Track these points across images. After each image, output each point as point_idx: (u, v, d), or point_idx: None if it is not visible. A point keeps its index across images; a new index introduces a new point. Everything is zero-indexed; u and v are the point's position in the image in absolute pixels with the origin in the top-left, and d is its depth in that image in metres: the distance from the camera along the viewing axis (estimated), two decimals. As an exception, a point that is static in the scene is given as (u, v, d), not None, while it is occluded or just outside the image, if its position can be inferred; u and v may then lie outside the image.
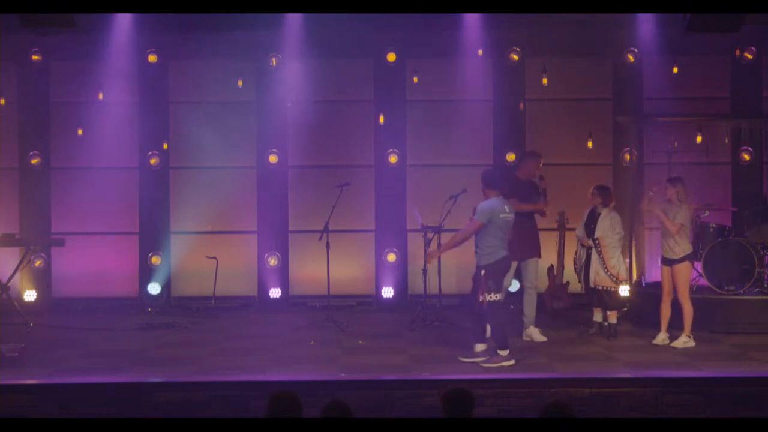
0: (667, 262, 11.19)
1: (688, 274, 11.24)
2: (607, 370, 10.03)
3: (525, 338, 11.39)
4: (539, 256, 11.62)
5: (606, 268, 11.44)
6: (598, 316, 11.67)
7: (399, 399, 9.07)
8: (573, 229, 13.40)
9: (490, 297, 10.12)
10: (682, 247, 11.11)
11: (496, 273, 10.23)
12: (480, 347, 10.34)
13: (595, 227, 11.49)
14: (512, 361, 10.12)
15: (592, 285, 11.57)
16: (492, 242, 10.19)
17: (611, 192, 11.69)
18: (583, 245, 11.67)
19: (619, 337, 11.66)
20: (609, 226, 11.43)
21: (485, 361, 10.19)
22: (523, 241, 11.30)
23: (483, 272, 10.14)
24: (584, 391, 9.18)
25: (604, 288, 11.50)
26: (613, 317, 11.62)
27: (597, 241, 11.48)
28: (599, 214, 11.51)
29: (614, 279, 11.45)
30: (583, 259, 11.63)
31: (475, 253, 10.28)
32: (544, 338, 11.39)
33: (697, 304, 11.86)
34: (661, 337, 11.17)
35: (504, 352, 10.16)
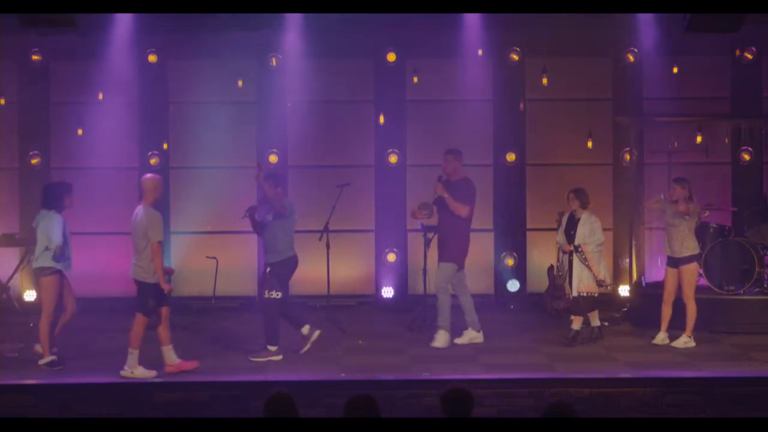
0: (673, 262, 11.14)
1: (694, 275, 11.20)
2: (607, 370, 10.04)
3: (434, 342, 11.04)
4: (453, 261, 11.01)
5: (593, 273, 11.16)
6: (577, 324, 11.28)
7: (399, 399, 9.08)
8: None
9: (271, 294, 10.45)
10: (688, 247, 11.08)
11: (283, 271, 10.53)
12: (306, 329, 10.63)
13: (575, 233, 11.20)
14: (280, 356, 10.41)
15: (575, 293, 11.21)
16: (285, 240, 10.54)
17: (587, 194, 11.39)
18: (564, 251, 11.37)
19: (620, 336, 11.67)
20: (589, 231, 11.16)
21: (254, 355, 10.41)
22: (443, 243, 11.09)
23: (269, 269, 10.51)
24: (584, 391, 9.19)
25: (589, 294, 11.20)
26: (595, 319, 11.39)
27: (579, 248, 11.18)
28: (578, 218, 11.24)
29: (602, 284, 11.21)
30: (566, 267, 11.31)
31: (265, 251, 10.53)
32: (440, 345, 10.95)
33: (698, 304, 11.86)
34: (661, 337, 11.16)
35: (273, 348, 10.46)
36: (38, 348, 10.20)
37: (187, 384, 9.42)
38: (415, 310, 12.40)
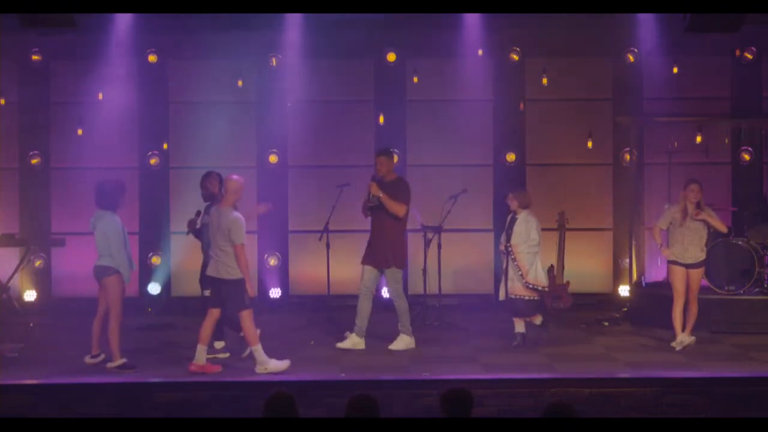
0: (687, 265, 10.93)
1: (701, 278, 11.13)
2: (607, 370, 10.04)
3: (392, 345, 10.93)
4: (398, 266, 10.91)
5: (522, 275, 10.95)
6: (520, 327, 11.08)
7: (399, 399, 9.07)
8: (573, 229, 13.43)
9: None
10: (704, 252, 11.02)
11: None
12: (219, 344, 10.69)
13: (512, 233, 11.02)
14: (227, 354, 10.50)
15: (510, 294, 11.05)
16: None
17: (528, 194, 11.20)
18: (501, 251, 11.24)
19: (620, 336, 11.68)
20: (524, 232, 10.93)
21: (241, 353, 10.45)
22: (382, 247, 10.84)
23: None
24: (584, 391, 9.19)
25: (519, 296, 11.02)
26: (537, 320, 11.18)
27: (510, 248, 11.01)
28: (517, 219, 11.06)
29: (532, 287, 10.97)
30: (504, 267, 11.14)
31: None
32: (398, 348, 10.84)
33: (698, 304, 11.88)
34: (682, 339, 10.93)
35: (219, 345, 10.65)
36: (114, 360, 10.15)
37: (187, 384, 9.43)
38: (415, 310, 12.39)
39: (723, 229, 11.01)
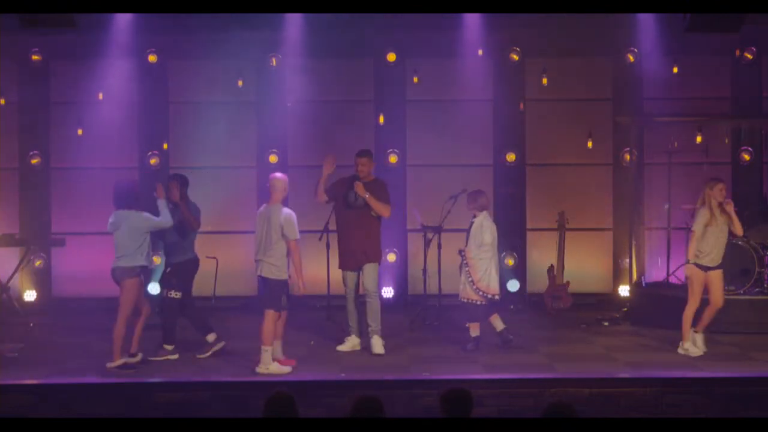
0: (705, 268, 10.72)
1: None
2: (607, 370, 10.04)
3: (375, 349, 10.71)
4: (378, 261, 10.88)
5: (472, 281, 10.84)
6: (474, 331, 10.92)
7: (399, 399, 9.08)
8: (573, 229, 13.45)
9: (170, 293, 10.61)
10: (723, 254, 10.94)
11: (184, 272, 10.71)
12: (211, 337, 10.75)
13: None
14: (176, 356, 10.53)
15: (462, 298, 10.94)
16: (192, 240, 10.77)
17: (484, 196, 11.06)
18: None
19: (620, 336, 11.68)
20: (478, 235, 10.80)
21: (154, 355, 10.49)
22: (364, 248, 10.75)
23: (169, 269, 10.68)
24: (584, 391, 9.19)
25: (470, 301, 10.90)
26: (498, 325, 11.02)
27: (463, 253, 10.95)
28: (473, 222, 10.94)
29: (481, 293, 10.84)
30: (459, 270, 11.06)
31: (167, 252, 10.71)
32: (381, 351, 10.67)
33: (698, 304, 11.87)
34: (700, 344, 10.75)
35: (169, 347, 10.56)
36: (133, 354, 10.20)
37: (187, 384, 9.43)
38: (415, 310, 12.41)
39: (740, 231, 10.82)
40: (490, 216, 11.09)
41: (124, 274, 10.04)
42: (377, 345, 10.68)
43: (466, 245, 10.94)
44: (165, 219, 10.16)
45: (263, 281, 10.07)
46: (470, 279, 10.84)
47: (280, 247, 9.89)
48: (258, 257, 10.06)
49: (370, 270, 10.77)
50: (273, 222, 9.91)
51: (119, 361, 10.03)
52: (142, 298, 10.28)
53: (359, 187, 10.69)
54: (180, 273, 10.73)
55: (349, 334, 10.94)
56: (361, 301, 10.92)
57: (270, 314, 9.93)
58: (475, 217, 10.94)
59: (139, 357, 10.20)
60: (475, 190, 11.11)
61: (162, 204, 10.21)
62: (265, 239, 9.97)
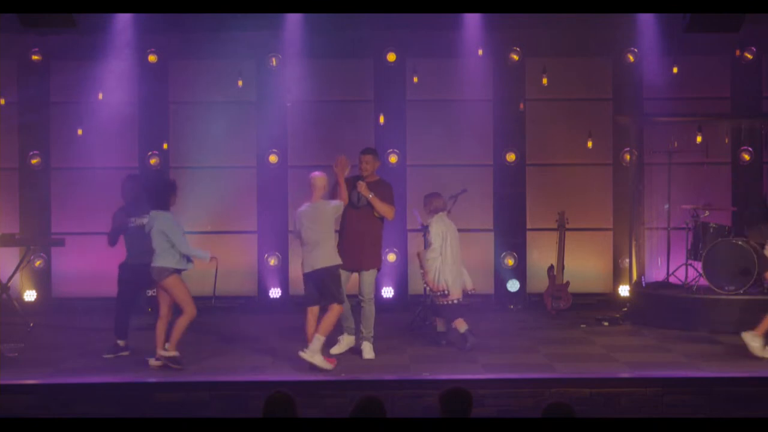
0: None
1: None
2: (607, 370, 10.03)
3: (366, 354, 10.59)
4: (378, 267, 10.78)
5: (425, 282, 10.94)
6: (462, 327, 10.90)
7: (399, 399, 9.08)
8: (572, 230, 13.45)
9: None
10: None
11: (122, 273, 10.91)
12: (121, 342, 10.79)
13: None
14: (127, 352, 10.63)
15: (435, 302, 11.04)
16: (133, 244, 10.78)
17: (439, 199, 11.08)
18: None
19: (620, 336, 11.68)
20: (431, 236, 10.86)
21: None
22: (364, 250, 10.62)
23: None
24: (584, 391, 9.18)
25: (444, 303, 10.94)
26: (461, 327, 10.93)
27: (419, 254, 10.99)
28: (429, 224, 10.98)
29: (436, 293, 10.88)
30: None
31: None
32: (371, 356, 10.52)
33: (697, 304, 11.89)
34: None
35: (122, 342, 10.77)
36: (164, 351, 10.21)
37: (187, 384, 9.43)
38: (415, 310, 12.40)
39: None
40: (445, 218, 11.09)
41: (158, 274, 10.08)
42: (368, 350, 10.59)
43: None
44: (193, 251, 10.22)
45: (320, 273, 10.09)
46: (424, 280, 11.05)
47: (333, 237, 10.16)
48: (310, 253, 10.12)
49: (368, 277, 10.65)
50: (323, 215, 10.11)
51: (173, 352, 10.06)
52: (171, 300, 10.24)
53: (362, 187, 10.59)
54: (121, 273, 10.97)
55: (341, 333, 10.81)
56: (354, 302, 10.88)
57: (336, 308, 10.06)
58: (430, 218, 11.05)
59: (174, 353, 10.17)
60: (429, 193, 11.22)
61: (202, 255, 10.29)
62: (316, 234, 10.10)
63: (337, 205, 10.20)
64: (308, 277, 10.15)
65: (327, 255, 10.08)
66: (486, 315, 12.95)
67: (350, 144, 13.74)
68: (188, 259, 10.19)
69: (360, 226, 10.62)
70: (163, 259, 10.04)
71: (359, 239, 10.62)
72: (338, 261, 10.15)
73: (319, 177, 10.27)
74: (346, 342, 10.80)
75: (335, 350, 10.66)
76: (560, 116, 13.85)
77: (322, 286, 10.10)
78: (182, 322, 10.10)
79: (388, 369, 10.09)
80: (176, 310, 10.22)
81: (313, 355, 9.89)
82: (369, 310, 10.64)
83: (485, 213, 13.81)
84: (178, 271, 10.12)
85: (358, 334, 10.76)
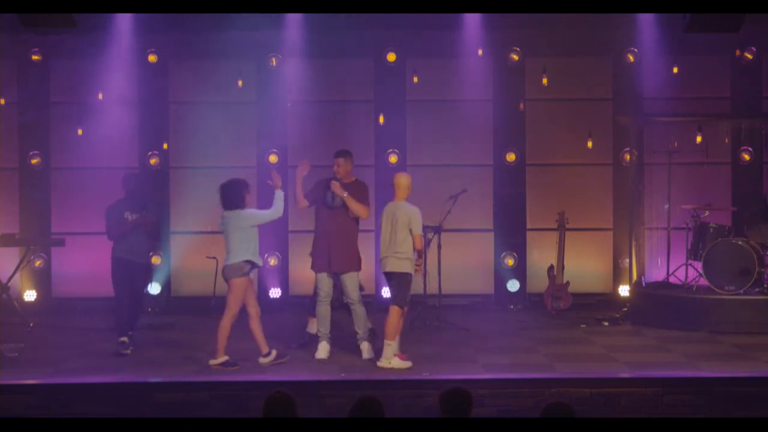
0: None
1: None
2: (607, 370, 10.04)
3: (365, 354, 10.57)
4: (358, 269, 10.68)
5: None
6: (312, 327, 10.91)
7: (399, 399, 9.08)
8: (572, 230, 13.44)
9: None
10: None
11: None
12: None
13: None
14: (128, 351, 10.71)
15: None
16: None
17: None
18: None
19: (620, 336, 11.68)
20: None
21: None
22: (341, 250, 10.55)
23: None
24: (584, 391, 9.19)
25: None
26: (313, 327, 10.91)
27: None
28: None
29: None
30: None
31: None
32: (369, 356, 10.48)
33: (698, 304, 11.89)
34: None
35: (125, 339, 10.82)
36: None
37: (187, 384, 9.43)
38: (415, 310, 12.39)
39: None
40: None
41: (231, 273, 10.14)
42: (366, 350, 10.58)
43: None
44: (276, 210, 10.29)
45: (389, 277, 10.32)
46: None
47: (408, 242, 10.18)
48: (384, 254, 10.26)
49: (350, 280, 10.60)
50: (400, 218, 10.19)
51: (222, 359, 10.09)
52: (252, 299, 10.29)
53: (336, 186, 10.49)
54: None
55: (320, 341, 10.61)
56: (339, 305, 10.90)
57: (396, 310, 10.18)
58: None
59: (273, 354, 10.25)
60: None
61: (278, 195, 10.33)
62: (392, 236, 10.21)
63: (414, 211, 10.23)
64: (385, 275, 10.45)
65: (400, 260, 10.21)
66: (486, 315, 12.97)
67: (350, 144, 13.73)
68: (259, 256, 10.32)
69: (334, 226, 10.54)
70: (236, 256, 10.13)
71: (333, 240, 10.53)
72: (410, 269, 10.26)
73: (403, 176, 10.48)
74: (325, 350, 10.58)
75: (319, 356, 10.51)
76: (560, 116, 13.85)
77: (391, 287, 10.46)
78: (224, 324, 10.17)
79: (387, 369, 10.08)
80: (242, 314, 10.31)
81: (389, 361, 10.08)
82: (360, 311, 10.61)
83: (485, 213, 13.80)
84: (252, 268, 10.19)
85: (333, 340, 10.70)
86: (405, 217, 10.18)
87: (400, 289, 10.24)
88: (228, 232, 10.18)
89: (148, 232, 11.02)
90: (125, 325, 10.87)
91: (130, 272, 10.87)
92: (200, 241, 13.66)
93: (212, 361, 10.11)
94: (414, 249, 10.21)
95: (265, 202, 13.70)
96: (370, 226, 13.75)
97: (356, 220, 10.67)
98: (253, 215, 10.27)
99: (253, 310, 10.31)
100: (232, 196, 10.26)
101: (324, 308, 10.62)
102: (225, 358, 10.13)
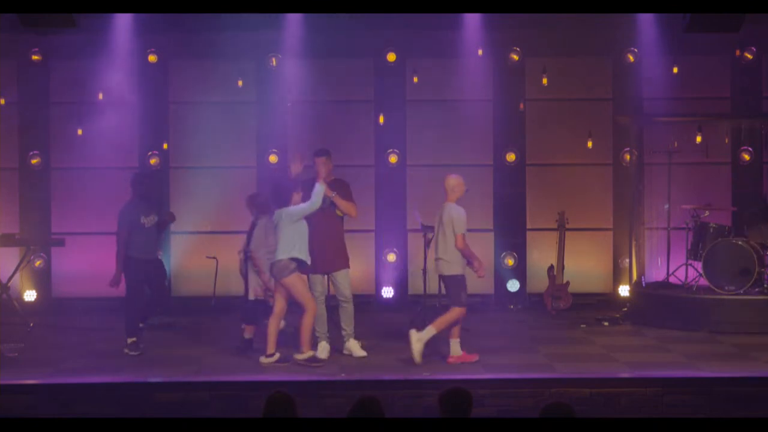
0: None
1: None
2: (607, 370, 10.04)
3: (345, 352, 10.63)
4: (348, 267, 10.70)
5: (262, 281, 10.77)
6: (248, 333, 10.86)
7: (399, 399, 9.08)
8: (572, 230, 13.45)
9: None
10: None
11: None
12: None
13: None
14: (139, 352, 10.69)
15: (253, 296, 10.85)
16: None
17: (262, 199, 10.99)
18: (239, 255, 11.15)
19: (620, 336, 11.68)
20: (263, 237, 10.72)
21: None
22: (331, 250, 10.56)
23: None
24: (584, 391, 9.19)
25: (262, 299, 10.85)
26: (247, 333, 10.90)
27: (249, 254, 10.81)
28: (256, 224, 10.90)
29: (271, 293, 10.71)
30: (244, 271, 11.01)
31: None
32: (363, 353, 10.57)
33: (697, 304, 11.89)
34: None
35: (130, 339, 10.77)
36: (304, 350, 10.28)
37: (187, 384, 9.43)
38: (415, 310, 12.41)
39: None
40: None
41: (278, 273, 10.20)
42: (356, 348, 10.60)
43: (246, 246, 10.88)
44: (312, 202, 10.26)
45: (441, 279, 10.63)
46: (259, 279, 10.83)
47: (453, 243, 10.30)
48: (435, 255, 10.48)
49: (343, 278, 10.62)
50: (445, 219, 10.34)
51: (308, 354, 10.17)
52: (284, 298, 10.35)
53: (327, 190, 10.44)
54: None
55: (319, 341, 10.58)
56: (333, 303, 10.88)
57: (456, 310, 10.34)
58: (256, 219, 10.92)
59: (276, 357, 10.25)
60: (253, 194, 11.33)
61: (318, 187, 10.32)
62: (441, 237, 10.37)
63: (457, 212, 10.32)
64: (440, 277, 10.71)
65: (447, 263, 10.35)
66: (486, 315, 12.96)
67: (350, 144, 13.79)
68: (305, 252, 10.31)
69: (322, 226, 10.49)
70: (284, 252, 10.15)
71: (323, 240, 10.50)
72: (458, 271, 10.36)
73: (454, 178, 10.56)
74: (325, 350, 10.57)
75: (320, 355, 10.46)
76: (560, 116, 13.85)
77: (447, 289, 10.60)
78: (307, 321, 10.22)
79: (388, 369, 10.10)
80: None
81: (456, 358, 10.29)
82: (350, 309, 10.63)
83: (485, 213, 13.80)
84: (300, 266, 10.20)
85: (333, 340, 10.69)
86: (448, 218, 10.32)
87: (452, 290, 10.43)
88: (280, 228, 10.26)
89: (158, 226, 11.11)
90: (136, 326, 10.85)
91: (147, 271, 10.93)
92: (200, 241, 13.67)
93: (298, 356, 10.20)
94: (458, 247, 10.31)
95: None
96: (370, 227, 13.83)
97: (341, 218, 10.70)
98: (295, 209, 10.29)
99: (279, 307, 10.37)
100: (283, 194, 10.35)
101: (320, 308, 10.59)
102: (311, 353, 10.22)
